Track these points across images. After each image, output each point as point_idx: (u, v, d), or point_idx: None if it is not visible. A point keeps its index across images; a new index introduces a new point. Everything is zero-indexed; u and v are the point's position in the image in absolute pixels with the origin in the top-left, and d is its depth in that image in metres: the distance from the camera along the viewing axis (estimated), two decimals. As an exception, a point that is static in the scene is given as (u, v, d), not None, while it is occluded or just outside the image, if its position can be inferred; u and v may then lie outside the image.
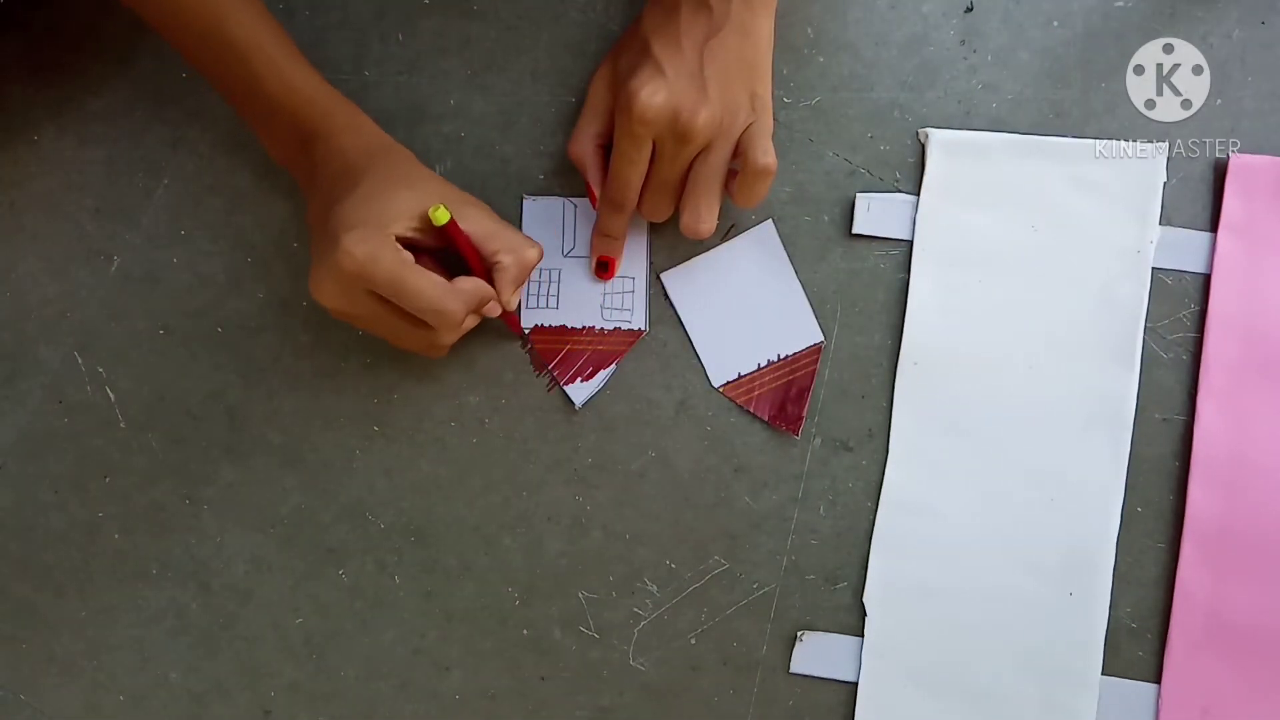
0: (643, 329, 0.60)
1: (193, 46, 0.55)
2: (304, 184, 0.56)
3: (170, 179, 0.62)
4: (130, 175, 0.62)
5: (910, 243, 0.59)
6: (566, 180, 0.60)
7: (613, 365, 0.59)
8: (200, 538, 0.61)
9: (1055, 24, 0.59)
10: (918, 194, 0.59)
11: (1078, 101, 0.59)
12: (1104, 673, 0.57)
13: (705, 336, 0.60)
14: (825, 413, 0.59)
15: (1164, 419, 0.58)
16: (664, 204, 0.56)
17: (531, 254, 0.55)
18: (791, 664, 0.58)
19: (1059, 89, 0.59)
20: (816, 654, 0.58)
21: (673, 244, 0.60)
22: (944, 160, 0.58)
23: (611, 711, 0.59)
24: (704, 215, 0.55)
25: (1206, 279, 0.57)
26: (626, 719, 0.59)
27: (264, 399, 0.61)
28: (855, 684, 0.58)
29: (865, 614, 0.58)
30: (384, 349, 0.60)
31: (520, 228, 0.60)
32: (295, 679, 0.61)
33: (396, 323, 0.53)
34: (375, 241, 0.50)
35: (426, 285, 0.52)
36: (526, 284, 0.59)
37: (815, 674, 0.58)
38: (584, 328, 0.60)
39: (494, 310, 0.55)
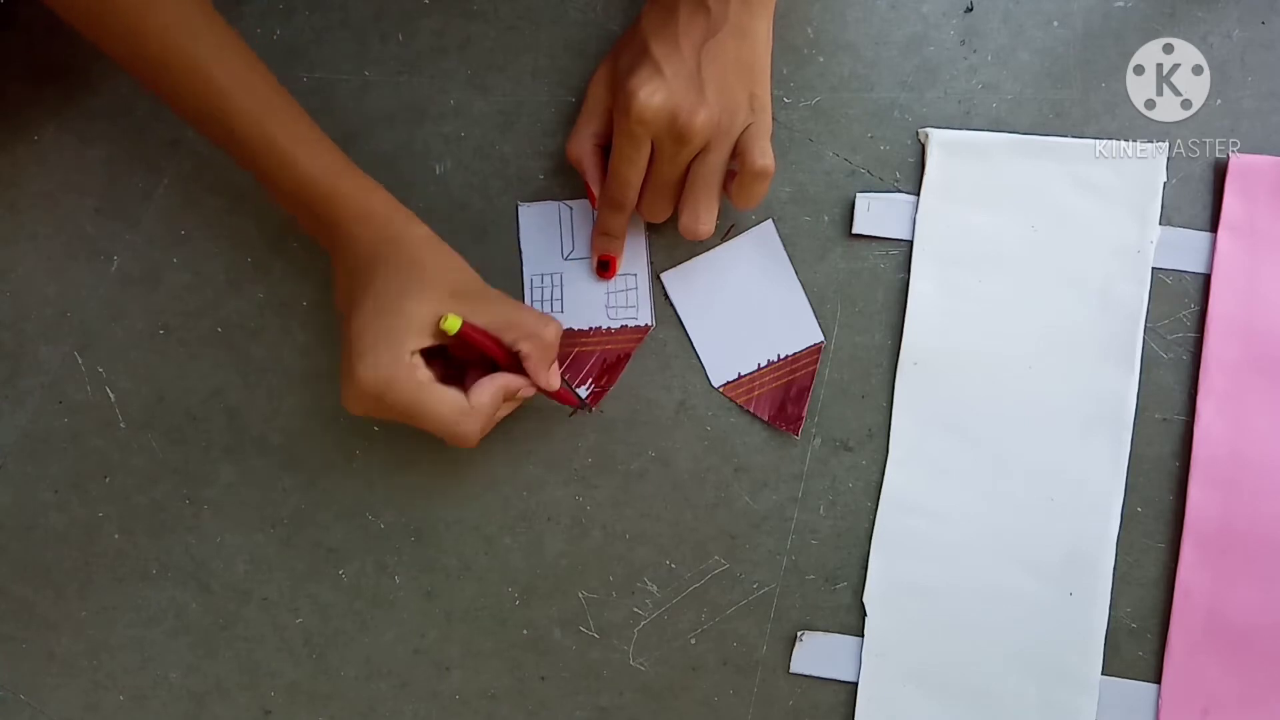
0: (649, 324, 0.60)
1: (208, 132, 0.54)
2: (331, 260, 0.56)
3: (170, 179, 0.62)
4: (130, 175, 0.62)
5: (910, 243, 0.59)
6: (566, 180, 0.60)
7: (625, 365, 0.60)
8: (200, 538, 0.61)
9: (1055, 24, 0.59)
10: (918, 194, 0.59)
11: (1078, 101, 0.58)
12: (1104, 673, 0.57)
13: (705, 336, 0.60)
14: (825, 413, 0.59)
15: (1164, 419, 0.58)
16: (663, 204, 0.56)
17: (549, 332, 0.55)
18: (791, 664, 0.58)
19: (1059, 89, 0.59)
20: (816, 654, 0.58)
21: (672, 244, 0.60)
22: (944, 160, 0.58)
23: (611, 711, 0.59)
24: (702, 216, 0.55)
25: (1206, 279, 0.57)
26: (626, 719, 0.59)
27: (264, 399, 0.61)
28: (855, 684, 0.58)
29: (865, 614, 0.58)
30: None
31: (517, 235, 0.60)
32: (295, 679, 0.61)
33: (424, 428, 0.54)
34: (388, 367, 0.51)
35: (441, 411, 0.52)
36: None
37: (815, 674, 0.58)
38: (591, 329, 0.60)
39: (528, 393, 0.56)
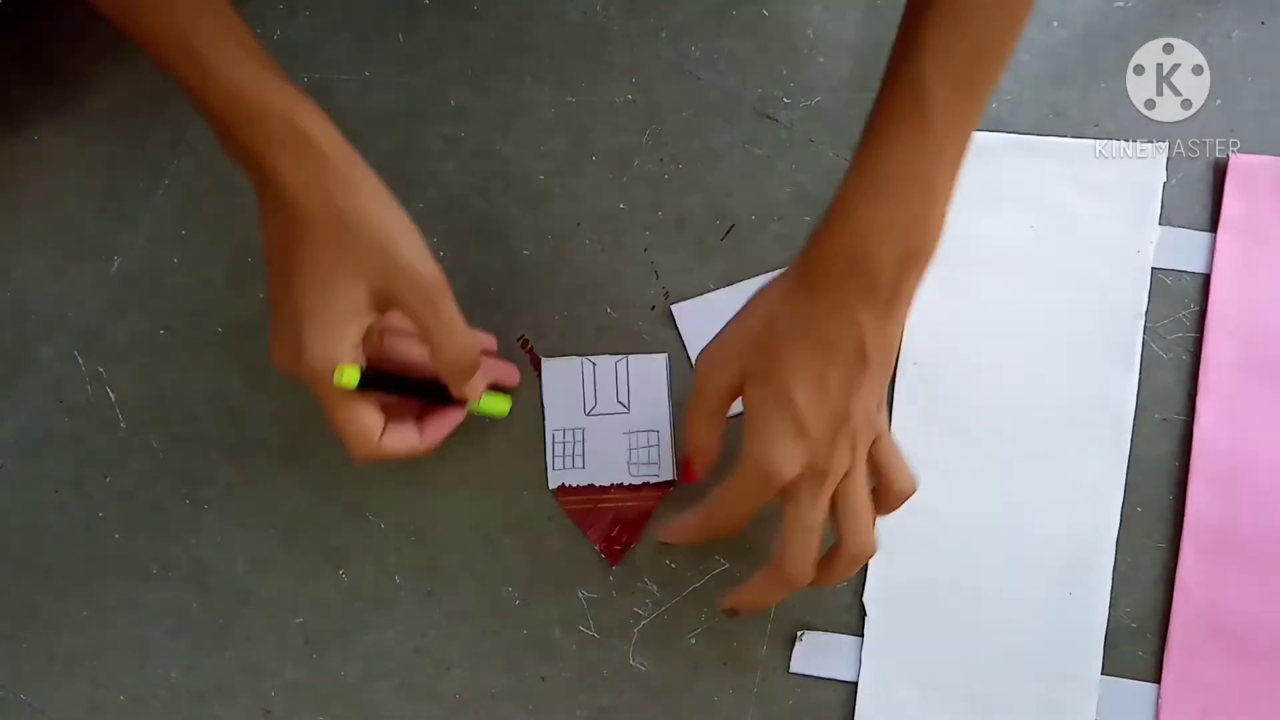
0: (671, 479, 0.59)
1: (118, 23, 0.45)
2: (257, 194, 0.49)
3: (171, 179, 0.62)
4: (131, 175, 0.62)
5: (910, 243, 0.59)
6: (565, 180, 0.60)
7: (645, 523, 0.59)
8: (200, 538, 0.61)
9: (1055, 24, 0.59)
10: (918, 194, 0.59)
11: (1078, 102, 0.58)
12: (1103, 673, 0.57)
13: None
14: (825, 413, 0.59)
15: (1164, 419, 0.58)
16: (815, 556, 0.50)
17: (465, 353, 0.50)
18: (791, 664, 0.58)
19: (1059, 89, 0.59)
20: (816, 653, 0.58)
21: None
22: (944, 160, 0.58)
23: (611, 711, 0.59)
24: (867, 538, 0.50)
25: (1206, 279, 0.57)
26: (626, 719, 0.59)
27: (265, 399, 0.61)
28: (855, 684, 0.58)
29: (865, 613, 0.58)
30: (384, 349, 0.60)
31: (540, 390, 0.60)
32: (295, 679, 0.61)
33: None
34: (324, 360, 0.47)
35: (351, 431, 0.50)
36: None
37: (815, 674, 0.58)
38: (612, 485, 0.59)
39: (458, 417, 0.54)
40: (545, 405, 0.60)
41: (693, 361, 0.60)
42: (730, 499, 0.50)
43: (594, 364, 0.60)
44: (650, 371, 0.59)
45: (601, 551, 0.59)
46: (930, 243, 0.46)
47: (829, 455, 0.47)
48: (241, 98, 0.44)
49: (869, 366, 0.47)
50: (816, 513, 0.48)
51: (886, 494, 0.51)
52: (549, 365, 0.60)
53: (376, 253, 0.47)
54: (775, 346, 0.47)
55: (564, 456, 0.60)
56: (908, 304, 0.47)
